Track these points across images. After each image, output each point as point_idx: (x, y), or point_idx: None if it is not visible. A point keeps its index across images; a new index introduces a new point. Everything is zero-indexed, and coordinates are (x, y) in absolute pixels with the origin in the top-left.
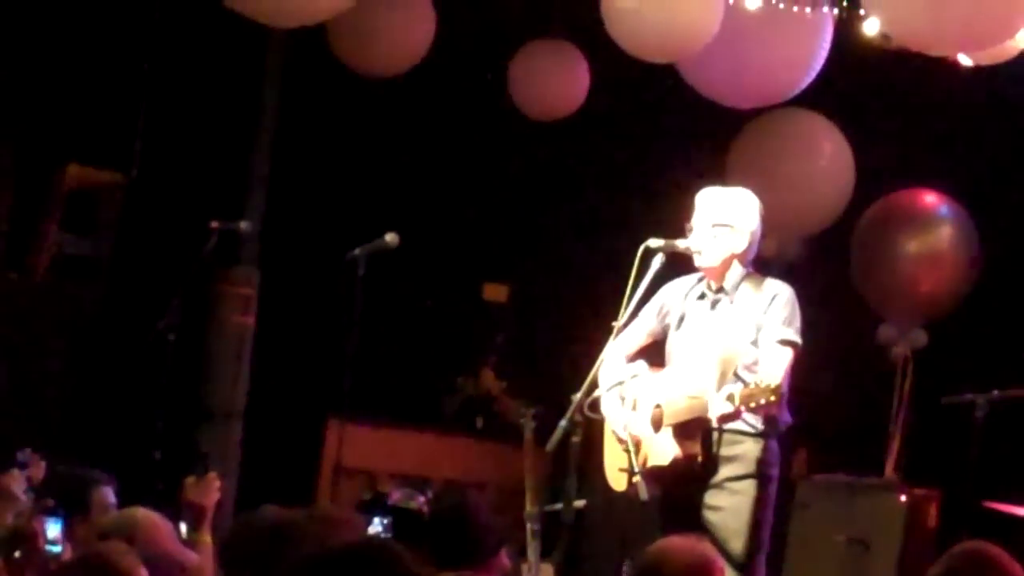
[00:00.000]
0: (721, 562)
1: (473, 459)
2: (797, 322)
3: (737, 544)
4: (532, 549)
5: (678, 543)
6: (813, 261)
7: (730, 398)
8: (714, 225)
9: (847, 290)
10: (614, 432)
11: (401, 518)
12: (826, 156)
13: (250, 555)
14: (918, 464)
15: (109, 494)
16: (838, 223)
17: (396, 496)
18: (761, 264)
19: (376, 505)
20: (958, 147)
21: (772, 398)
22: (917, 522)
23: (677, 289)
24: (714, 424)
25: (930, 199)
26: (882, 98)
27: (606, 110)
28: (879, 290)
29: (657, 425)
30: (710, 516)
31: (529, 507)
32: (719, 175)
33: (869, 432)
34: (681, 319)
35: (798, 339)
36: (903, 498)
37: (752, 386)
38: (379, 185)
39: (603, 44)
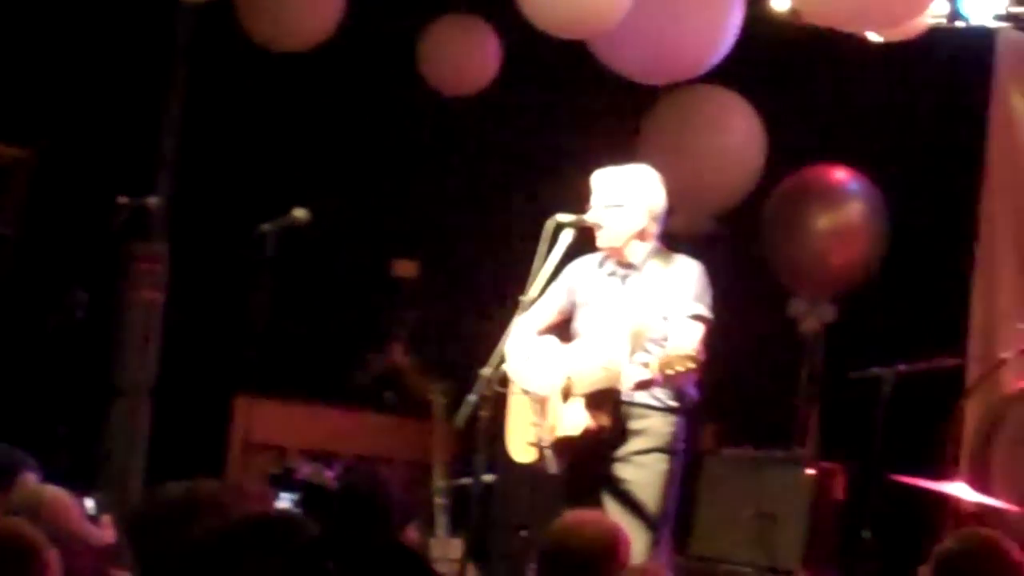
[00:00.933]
0: (626, 536)
1: (383, 434)
2: (708, 297)
3: (642, 518)
4: (441, 524)
5: (584, 517)
6: (724, 236)
7: (646, 365)
8: (607, 206)
9: (758, 265)
10: (523, 404)
11: (310, 493)
12: (737, 132)
13: (159, 529)
14: (826, 438)
15: (33, 482)
16: (750, 198)
17: (305, 471)
18: (672, 239)
19: (285, 480)
20: (868, 123)
21: (690, 364)
22: (824, 495)
23: (586, 265)
24: (630, 392)
25: (840, 175)
26: (793, 74)
27: (517, 86)
28: (789, 265)
29: (566, 395)
30: (616, 489)
31: (438, 482)
32: (631, 151)
33: (778, 406)
34: (591, 295)
35: (709, 314)
36: (810, 472)
37: (670, 353)
38: (289, 161)
39: (514, 20)
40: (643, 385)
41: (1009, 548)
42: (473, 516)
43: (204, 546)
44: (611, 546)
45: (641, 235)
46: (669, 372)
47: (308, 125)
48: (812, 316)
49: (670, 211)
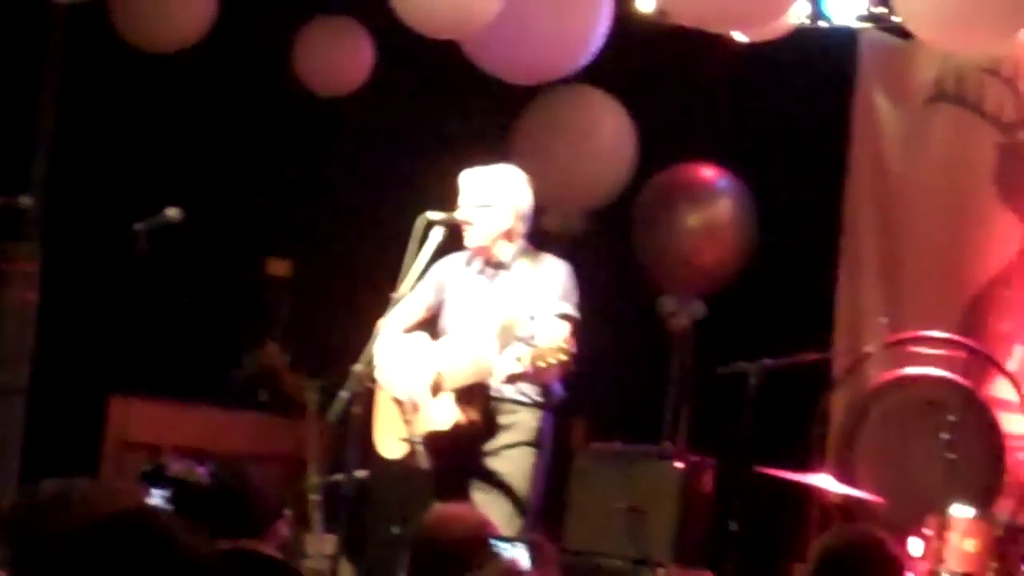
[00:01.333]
0: (495, 528)
1: (258, 432)
2: (574, 297)
3: (509, 510)
4: (315, 520)
5: (453, 511)
6: (596, 234)
7: (519, 359)
8: (476, 206)
9: (628, 263)
10: (393, 400)
11: (181, 489)
12: (608, 132)
13: (32, 527)
14: (695, 432)
15: None
16: (620, 197)
17: (176, 467)
18: (544, 238)
19: (156, 477)
20: (736, 122)
21: (562, 357)
22: (693, 488)
23: (454, 263)
24: (498, 388)
25: (709, 173)
26: (662, 74)
27: (391, 86)
28: (659, 263)
29: (436, 390)
30: (484, 482)
31: (312, 479)
32: (504, 151)
33: (649, 402)
34: (459, 292)
35: (576, 313)
36: (679, 465)
37: (541, 346)
38: (163, 160)
39: (387, 20)
40: (514, 379)
41: (888, 543)
42: (346, 512)
43: (73, 543)
44: (480, 538)
45: (508, 235)
46: (541, 365)
47: (182, 125)
48: (682, 313)
49: (542, 210)
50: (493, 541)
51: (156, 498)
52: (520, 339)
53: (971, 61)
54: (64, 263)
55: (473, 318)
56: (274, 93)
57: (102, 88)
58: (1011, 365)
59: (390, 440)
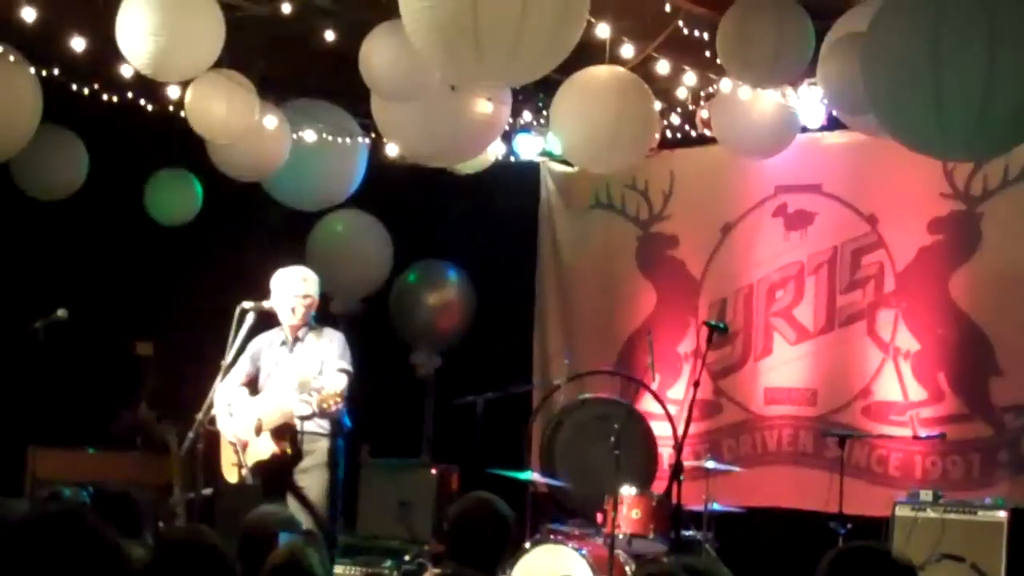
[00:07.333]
0: (295, 523)
1: (137, 467)
2: (348, 355)
3: (318, 510)
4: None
5: (269, 511)
6: (367, 312)
7: (307, 402)
8: (304, 296)
9: (389, 330)
10: (228, 439)
11: None
12: (372, 242)
13: None
14: (443, 447)
15: None
16: (383, 286)
17: (67, 493)
18: (332, 317)
19: (53, 500)
20: (461, 229)
21: (338, 400)
22: (444, 487)
23: (265, 340)
24: (298, 422)
25: (444, 265)
26: (410, 197)
27: (216, 216)
28: (410, 329)
29: (258, 431)
30: (297, 493)
31: (175, 496)
32: (302, 256)
33: (410, 428)
34: (270, 361)
35: (350, 368)
36: (434, 472)
37: (324, 393)
38: (54, 276)
39: (212, 169)
40: (307, 417)
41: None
42: (197, 519)
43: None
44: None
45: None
46: (325, 406)
47: (69, 250)
48: (427, 364)
49: (330, 297)
50: (283, 532)
51: None
52: (314, 389)
53: (616, 179)
54: None
55: (280, 378)
56: (133, 225)
57: (8, 228)
58: (654, 386)
59: (230, 468)
